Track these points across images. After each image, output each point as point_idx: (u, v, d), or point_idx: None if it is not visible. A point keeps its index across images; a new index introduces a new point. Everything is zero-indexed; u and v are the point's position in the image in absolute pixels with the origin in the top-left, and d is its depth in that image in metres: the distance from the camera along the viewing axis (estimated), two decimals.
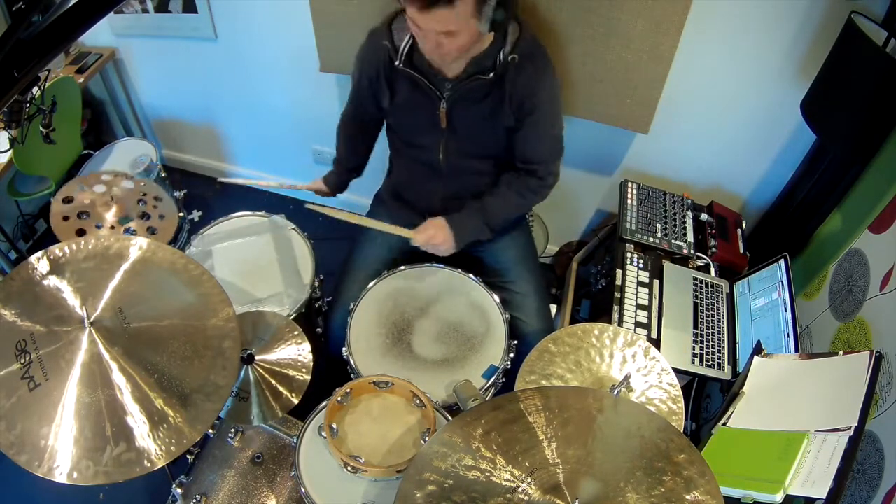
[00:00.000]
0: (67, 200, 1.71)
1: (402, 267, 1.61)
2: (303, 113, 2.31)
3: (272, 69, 2.21)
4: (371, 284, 1.57)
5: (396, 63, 1.42)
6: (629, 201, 1.83)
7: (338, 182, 1.85)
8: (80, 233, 1.60)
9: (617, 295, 1.61)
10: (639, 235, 1.76)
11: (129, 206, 1.72)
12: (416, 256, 1.74)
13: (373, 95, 1.54)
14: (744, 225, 1.88)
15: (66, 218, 1.65)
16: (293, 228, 1.74)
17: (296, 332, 1.37)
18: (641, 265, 1.69)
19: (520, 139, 1.50)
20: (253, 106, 2.42)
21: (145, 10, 2.16)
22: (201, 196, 2.78)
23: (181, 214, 1.75)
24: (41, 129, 1.56)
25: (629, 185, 1.87)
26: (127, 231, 1.67)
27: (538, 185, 1.57)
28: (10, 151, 1.89)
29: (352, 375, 1.43)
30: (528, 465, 0.89)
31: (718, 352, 1.54)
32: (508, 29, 1.37)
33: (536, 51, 1.42)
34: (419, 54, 1.40)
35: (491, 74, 1.39)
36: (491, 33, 1.31)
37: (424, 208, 1.71)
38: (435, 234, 1.54)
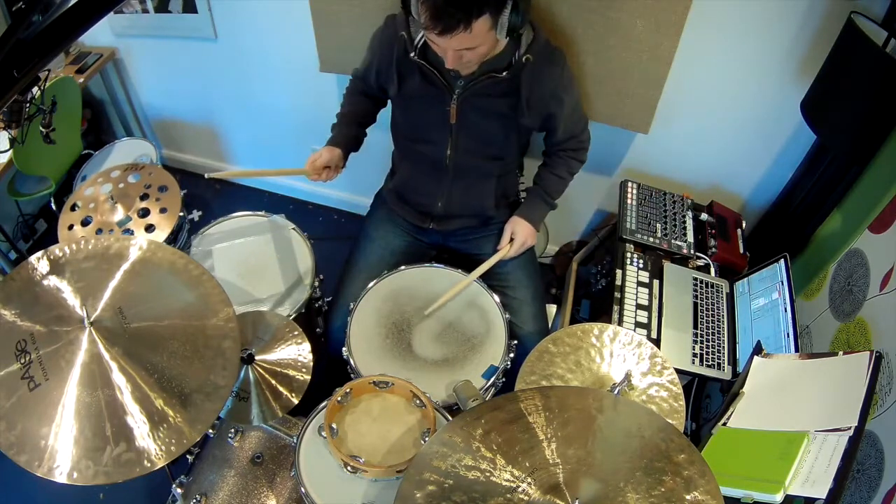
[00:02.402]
0: (74, 207, 1.72)
1: (402, 267, 1.61)
2: (302, 113, 2.31)
3: (272, 69, 2.21)
4: (371, 284, 1.57)
5: (412, 55, 1.42)
6: (629, 201, 1.84)
7: (348, 136, 1.64)
8: None
9: (617, 295, 1.61)
10: (639, 235, 1.76)
11: (131, 203, 1.73)
12: (416, 256, 1.74)
13: (380, 81, 1.55)
14: (744, 225, 1.88)
15: (70, 227, 1.68)
16: (293, 228, 1.74)
17: (296, 332, 1.37)
18: (641, 265, 1.69)
19: (560, 129, 1.57)
20: (253, 106, 2.42)
21: (145, 10, 2.16)
22: (201, 196, 2.78)
23: (181, 214, 1.75)
24: (41, 129, 1.57)
25: (629, 185, 1.87)
26: (125, 233, 1.68)
27: (582, 153, 1.70)
28: (10, 151, 1.89)
29: (352, 375, 1.43)
30: (528, 465, 0.89)
31: (718, 352, 1.54)
32: (523, 31, 1.39)
33: (550, 51, 1.45)
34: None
35: (505, 73, 1.41)
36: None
37: (426, 209, 1.71)
38: (526, 239, 1.67)
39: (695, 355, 1.52)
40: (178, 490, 1.31)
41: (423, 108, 1.53)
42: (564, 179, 1.69)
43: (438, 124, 1.52)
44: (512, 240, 1.67)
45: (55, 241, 1.36)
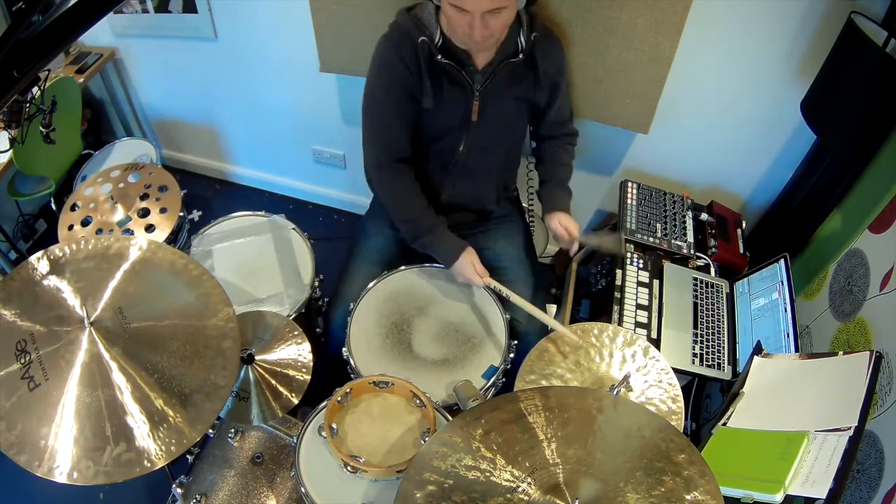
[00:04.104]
0: (74, 207, 1.72)
1: (402, 267, 1.61)
2: (303, 113, 2.31)
3: (272, 69, 2.21)
4: (371, 284, 1.57)
5: (438, 57, 1.37)
6: (629, 201, 1.84)
7: (446, 225, 1.58)
8: None
9: (617, 295, 1.61)
10: (639, 235, 1.75)
11: (131, 203, 1.73)
12: (415, 256, 1.74)
13: (413, 101, 1.45)
14: (744, 225, 1.88)
15: (70, 227, 1.68)
16: (293, 228, 1.74)
17: (296, 332, 1.37)
18: (641, 265, 1.69)
19: (554, 109, 1.59)
20: (253, 106, 2.42)
21: (145, 10, 2.16)
22: (201, 196, 2.78)
23: (181, 214, 1.76)
24: (41, 129, 1.57)
25: (629, 185, 1.87)
26: (125, 233, 1.68)
27: (575, 138, 1.71)
28: (10, 151, 1.89)
29: (352, 375, 1.43)
30: (528, 465, 0.89)
31: (718, 352, 1.54)
32: (521, 12, 1.39)
33: (549, 29, 1.48)
34: (451, 47, 1.39)
35: (520, 56, 1.41)
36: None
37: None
38: (569, 226, 1.57)
39: (695, 355, 1.52)
40: (178, 490, 1.31)
41: (449, 111, 1.49)
42: (571, 167, 1.71)
43: (460, 123, 1.51)
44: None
45: (55, 241, 1.36)
